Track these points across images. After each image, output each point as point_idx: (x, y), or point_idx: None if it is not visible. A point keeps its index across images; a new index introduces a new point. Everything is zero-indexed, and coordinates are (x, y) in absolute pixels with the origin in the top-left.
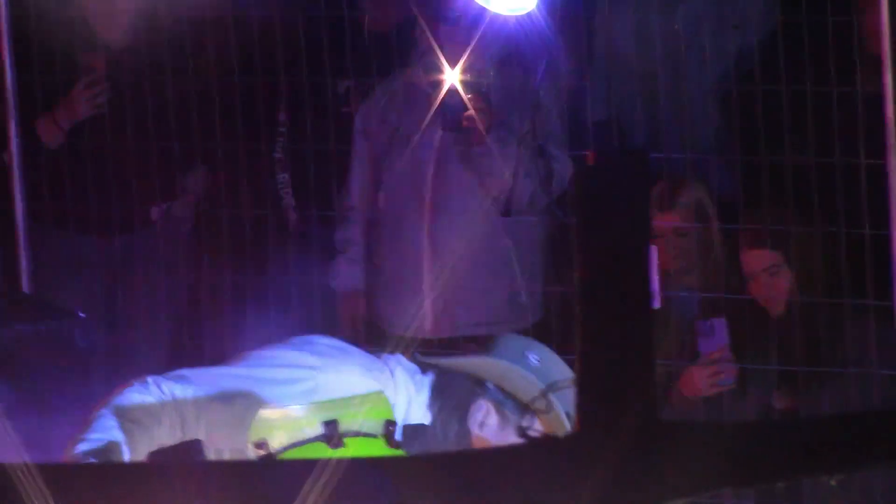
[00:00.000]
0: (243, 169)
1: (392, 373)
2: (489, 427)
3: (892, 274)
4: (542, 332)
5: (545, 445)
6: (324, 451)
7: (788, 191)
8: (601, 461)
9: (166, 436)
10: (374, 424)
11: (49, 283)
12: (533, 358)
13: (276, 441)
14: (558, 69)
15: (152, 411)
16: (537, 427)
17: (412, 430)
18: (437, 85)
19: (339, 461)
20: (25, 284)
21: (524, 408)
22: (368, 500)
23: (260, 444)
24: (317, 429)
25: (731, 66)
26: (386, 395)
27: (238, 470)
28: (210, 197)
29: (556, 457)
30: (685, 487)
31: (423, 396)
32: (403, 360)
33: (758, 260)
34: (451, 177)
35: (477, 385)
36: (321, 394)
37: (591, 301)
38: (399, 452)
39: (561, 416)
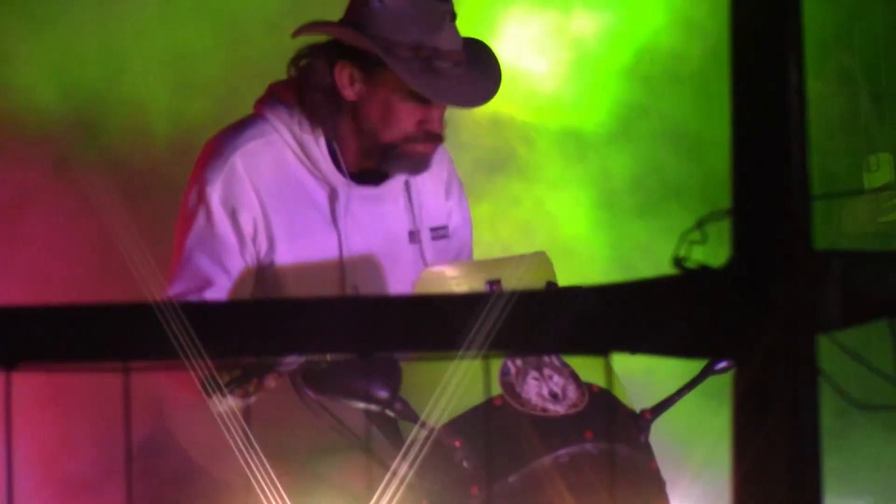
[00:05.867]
0: None
1: None
2: None
3: None
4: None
5: (702, 275)
6: None
7: None
8: (755, 291)
9: None
10: (537, 285)
11: None
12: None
13: None
14: None
15: None
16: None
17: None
18: None
19: (506, 293)
20: None
21: None
22: (536, 332)
23: None
24: (480, 287)
25: None
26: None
27: (398, 304)
28: None
29: (713, 286)
30: (841, 318)
31: None
32: None
33: None
34: None
35: None
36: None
37: (744, 141)
38: None
39: None
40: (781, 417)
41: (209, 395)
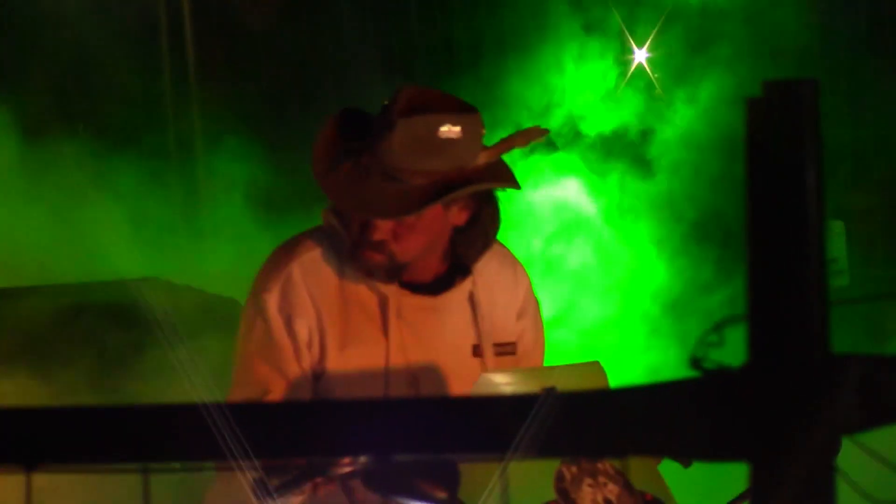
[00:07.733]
0: None
1: None
2: None
3: None
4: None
5: (719, 378)
6: None
7: None
8: (772, 394)
9: None
10: None
11: None
12: None
13: None
14: None
15: None
16: None
17: None
18: None
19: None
20: None
21: None
22: (579, 435)
23: None
24: None
25: None
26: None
27: (451, 406)
28: None
29: (730, 388)
30: (860, 422)
31: None
32: None
33: None
34: None
35: None
36: None
37: (760, 230)
38: None
39: None
40: None
41: (259, 499)
